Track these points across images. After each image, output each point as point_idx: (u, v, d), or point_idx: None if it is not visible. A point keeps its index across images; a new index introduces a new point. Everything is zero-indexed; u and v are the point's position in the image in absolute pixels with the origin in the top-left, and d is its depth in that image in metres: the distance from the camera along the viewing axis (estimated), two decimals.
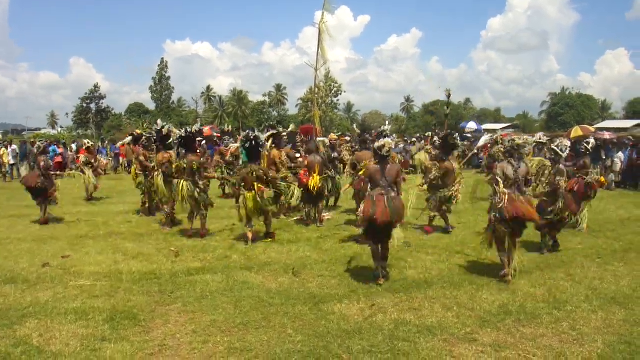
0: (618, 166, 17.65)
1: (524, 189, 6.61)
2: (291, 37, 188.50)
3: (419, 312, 5.51)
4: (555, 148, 8.06)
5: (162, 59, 76.97)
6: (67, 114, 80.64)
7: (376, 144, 6.74)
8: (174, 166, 9.38)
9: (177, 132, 9.63)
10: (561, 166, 7.96)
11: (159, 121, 10.76)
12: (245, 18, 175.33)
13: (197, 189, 9.07)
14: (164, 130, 10.28)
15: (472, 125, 34.50)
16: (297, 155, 11.79)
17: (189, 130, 9.32)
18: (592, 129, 25.95)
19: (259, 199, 8.50)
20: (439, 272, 6.99)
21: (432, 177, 9.41)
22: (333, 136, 13.63)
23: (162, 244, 8.76)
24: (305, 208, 10.50)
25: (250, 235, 8.68)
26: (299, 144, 12.99)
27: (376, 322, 5.25)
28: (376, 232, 6.51)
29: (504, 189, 6.43)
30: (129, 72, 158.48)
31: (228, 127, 20.09)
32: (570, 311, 5.52)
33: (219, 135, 29.81)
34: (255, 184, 8.55)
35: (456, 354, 4.55)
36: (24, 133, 65.88)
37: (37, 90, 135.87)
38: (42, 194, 10.65)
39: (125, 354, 4.54)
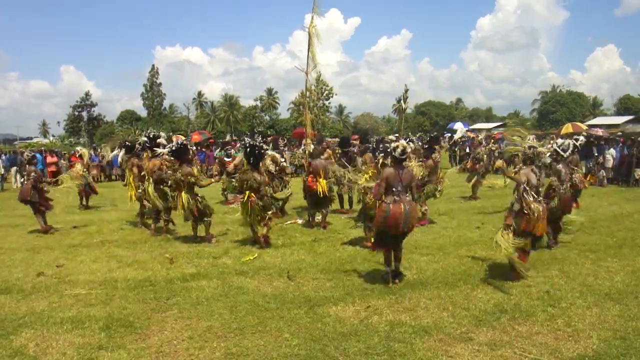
0: (610, 162, 17.77)
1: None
2: (282, 41, 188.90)
3: (414, 313, 5.53)
4: (557, 148, 8.00)
5: (153, 65, 77.04)
6: (58, 122, 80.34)
7: (392, 145, 6.56)
8: (170, 180, 9.28)
9: (166, 142, 9.64)
10: (559, 166, 7.93)
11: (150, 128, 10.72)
12: (235, 23, 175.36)
13: (198, 199, 9.10)
14: (155, 138, 10.20)
15: (458, 126, 34.63)
16: (282, 159, 11.88)
17: (181, 141, 9.30)
18: (584, 126, 26.09)
19: (251, 206, 8.51)
20: (433, 272, 7.00)
21: (420, 176, 9.56)
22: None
23: (157, 250, 8.72)
24: (310, 212, 10.56)
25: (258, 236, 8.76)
26: (281, 147, 13.07)
27: (372, 323, 5.26)
28: (391, 239, 6.44)
29: (533, 202, 6.33)
30: (120, 79, 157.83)
31: (232, 137, 20.12)
32: (565, 308, 5.56)
33: (211, 140, 29.78)
34: (247, 192, 8.56)
35: (452, 353, 4.57)
36: (15, 143, 65.43)
37: (28, 99, 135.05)
38: (35, 205, 10.55)
39: None
